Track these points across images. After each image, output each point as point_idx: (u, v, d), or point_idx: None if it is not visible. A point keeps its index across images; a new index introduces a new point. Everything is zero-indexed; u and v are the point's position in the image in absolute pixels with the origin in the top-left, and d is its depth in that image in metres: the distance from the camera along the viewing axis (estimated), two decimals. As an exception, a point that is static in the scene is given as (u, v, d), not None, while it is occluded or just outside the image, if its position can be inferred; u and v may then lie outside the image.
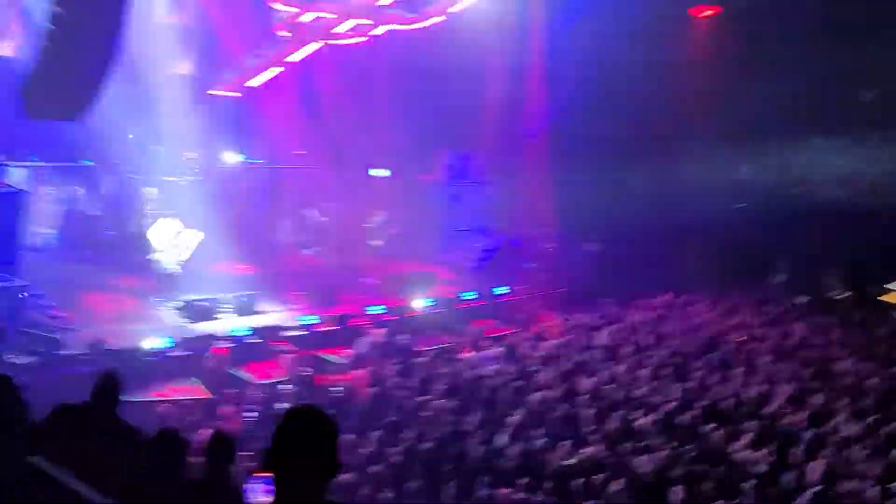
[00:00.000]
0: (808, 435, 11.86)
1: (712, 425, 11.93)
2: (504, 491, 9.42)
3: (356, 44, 21.48)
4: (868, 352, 16.41)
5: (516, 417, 11.79)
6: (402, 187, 22.62)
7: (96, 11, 13.01)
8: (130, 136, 19.63)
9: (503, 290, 20.24)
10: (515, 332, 17.35)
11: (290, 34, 20.43)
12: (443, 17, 20.74)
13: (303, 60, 21.31)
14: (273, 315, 16.74)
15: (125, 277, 17.39)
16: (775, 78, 21.85)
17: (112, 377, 5.80)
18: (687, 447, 11.18)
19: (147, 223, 17.30)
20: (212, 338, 14.92)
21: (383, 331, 15.60)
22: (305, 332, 16.11)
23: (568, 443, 11.10)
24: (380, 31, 21.11)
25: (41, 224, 19.05)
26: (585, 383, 13.45)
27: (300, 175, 23.31)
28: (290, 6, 19.84)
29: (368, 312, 17.11)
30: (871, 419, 12.46)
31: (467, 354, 15.42)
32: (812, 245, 21.32)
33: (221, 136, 22.10)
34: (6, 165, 16.10)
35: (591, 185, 21.25)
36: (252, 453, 9.33)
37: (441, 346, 16.26)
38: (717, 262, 21.93)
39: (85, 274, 17.41)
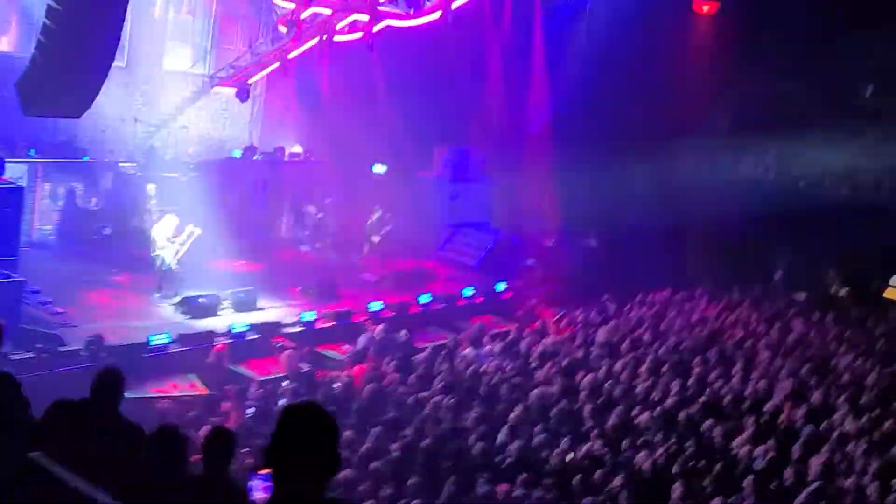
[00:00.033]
0: (807, 431, 11.88)
1: (711, 421, 11.94)
2: (503, 487, 9.43)
3: (355, 40, 21.44)
4: (867, 348, 16.43)
5: (515, 414, 11.79)
6: (401, 183, 22.61)
7: (94, 7, 12.97)
8: (129, 132, 19.61)
9: (502, 286, 20.23)
10: (515, 329, 17.35)
11: (289, 30, 20.38)
12: (441, 13, 20.68)
13: (302, 57, 21.27)
14: (272, 311, 16.73)
15: (124, 273, 17.39)
16: (776, 73, 21.83)
17: (113, 373, 5.78)
18: (686, 443, 11.20)
19: (148, 219, 17.26)
20: (211, 334, 14.91)
21: (382, 327, 15.59)
22: (304, 329, 16.11)
23: (567, 439, 11.11)
24: (379, 27, 21.07)
25: (40, 220, 19.05)
26: (584, 379, 13.45)
27: (299, 171, 23.30)
28: (290, 2, 19.80)
29: (367, 309, 17.10)
30: (869, 415, 12.48)
31: (466, 351, 15.42)
32: (811, 241, 21.31)
33: (221, 133, 22.08)
34: (4, 161, 16.05)
35: (590, 181, 21.22)
36: (251, 449, 9.36)
37: (440, 342, 16.26)
38: (716, 258, 21.92)
39: (84, 270, 17.40)
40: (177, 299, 16.18)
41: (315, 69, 21.97)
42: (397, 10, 20.60)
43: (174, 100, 20.67)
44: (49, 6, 12.86)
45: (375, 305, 17.20)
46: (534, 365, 14.50)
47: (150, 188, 19.00)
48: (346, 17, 20.73)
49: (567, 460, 10.62)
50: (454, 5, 20.77)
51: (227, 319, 15.79)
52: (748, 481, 10.01)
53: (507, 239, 23.15)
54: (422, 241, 22.06)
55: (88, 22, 12.92)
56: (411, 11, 20.52)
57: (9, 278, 13.78)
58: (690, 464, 10.52)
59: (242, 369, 14.47)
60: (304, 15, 19.95)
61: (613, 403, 12.59)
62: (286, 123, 22.82)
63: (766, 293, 21.02)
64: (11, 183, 15.82)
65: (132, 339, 14.09)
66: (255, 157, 22.45)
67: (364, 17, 20.32)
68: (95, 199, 19.69)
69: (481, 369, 13.92)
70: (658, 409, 12.31)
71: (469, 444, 10.83)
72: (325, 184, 22.97)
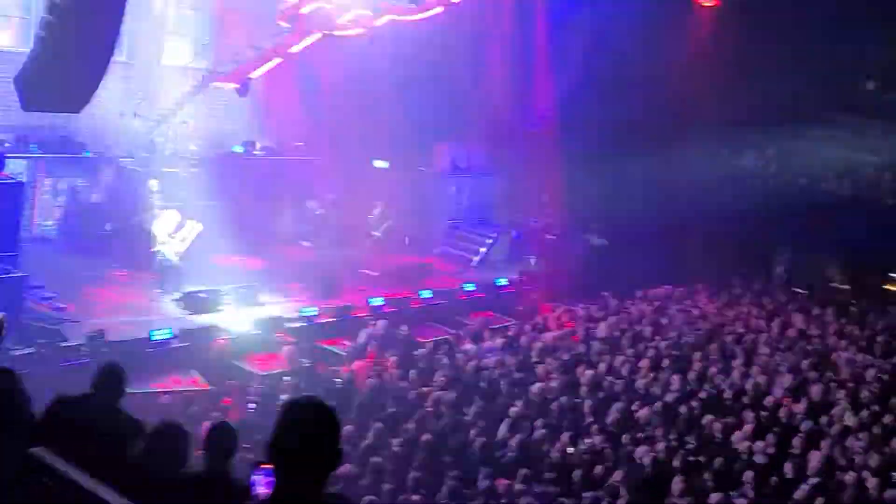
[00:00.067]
0: (806, 426, 11.89)
1: (711, 416, 11.96)
2: (504, 482, 9.44)
3: (357, 34, 21.41)
4: (867, 343, 16.45)
5: (516, 409, 11.81)
6: (403, 179, 22.61)
7: (94, 1, 12.96)
8: (129, 127, 19.59)
9: (503, 281, 20.24)
10: (516, 324, 17.37)
11: (290, 25, 20.35)
12: (443, 8, 20.66)
13: (303, 51, 21.25)
14: (273, 307, 16.74)
15: (126, 269, 17.39)
16: (778, 68, 21.80)
17: (115, 369, 5.79)
18: (686, 438, 11.22)
19: (150, 215, 17.29)
20: (212, 329, 14.92)
21: (383, 322, 15.59)
22: (305, 324, 16.12)
23: (567, 434, 11.13)
24: (380, 21, 21.04)
25: (41, 215, 19.05)
26: (585, 375, 13.47)
27: (300, 166, 23.28)
28: (291, -3, 19.79)
29: (369, 304, 17.11)
30: (869, 410, 12.49)
31: (467, 346, 15.43)
32: (812, 236, 21.32)
33: (221, 128, 22.05)
34: (4, 156, 16.04)
35: (592, 176, 21.22)
36: (252, 445, 9.37)
37: (441, 337, 16.27)
38: (716, 253, 21.93)
39: (85, 265, 17.41)
40: (178, 295, 16.20)
41: (316, 64, 21.95)
42: (399, 5, 20.57)
43: (174, 95, 20.64)
44: (49, 1, 12.85)
45: (376, 300, 17.21)
46: (534, 360, 14.52)
47: (153, 184, 19.00)
48: (347, 11, 20.71)
49: (567, 455, 10.64)
50: (456, -1, 20.75)
51: (229, 315, 15.81)
52: (748, 476, 10.03)
53: (509, 234, 23.16)
54: (423, 236, 22.06)
55: (88, 16, 12.90)
56: (413, 6, 20.50)
57: (10, 274, 13.80)
58: (691, 458, 10.55)
59: (244, 364, 14.49)
60: (306, 9, 19.93)
61: (614, 398, 12.61)
62: (287, 118, 22.79)
63: (767, 288, 21.03)
64: (12, 178, 15.82)
65: (134, 334, 14.10)
66: (255, 153, 22.44)
67: (366, 12, 20.30)
68: (96, 194, 19.70)
69: (482, 364, 13.93)
70: (658, 403, 12.32)
71: (470, 438, 10.85)
72: (326, 179, 22.96)
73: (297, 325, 16.02)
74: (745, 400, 13.02)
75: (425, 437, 10.56)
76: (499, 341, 15.42)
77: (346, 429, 10.23)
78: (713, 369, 14.28)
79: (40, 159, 18.86)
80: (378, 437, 10.59)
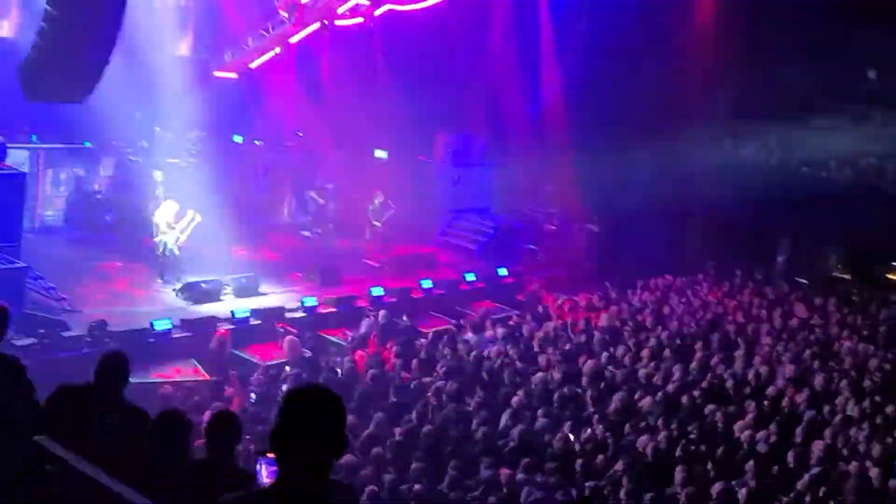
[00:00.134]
0: (809, 415, 11.89)
1: (713, 406, 11.95)
2: (505, 472, 9.44)
3: (356, 24, 21.39)
4: (869, 333, 16.44)
5: (518, 398, 11.81)
6: (403, 169, 22.59)
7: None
8: (132, 117, 19.56)
9: (504, 271, 20.23)
10: (517, 314, 17.36)
11: (290, 15, 20.33)
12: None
13: (303, 41, 21.22)
14: (274, 296, 16.74)
15: (127, 259, 17.40)
16: (779, 57, 21.74)
17: (117, 358, 5.79)
18: (688, 428, 11.21)
19: (153, 205, 17.29)
20: (213, 319, 14.93)
21: (384, 312, 15.60)
22: (306, 314, 16.12)
23: (569, 424, 11.13)
24: (380, 11, 21.02)
25: (42, 206, 19.05)
26: (587, 364, 13.46)
27: (300, 156, 23.28)
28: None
29: (369, 294, 17.11)
30: (872, 400, 12.48)
31: (469, 336, 15.43)
32: (814, 226, 21.29)
33: (222, 118, 22.04)
34: (6, 147, 16.03)
35: (592, 165, 21.19)
36: (253, 436, 9.38)
37: (443, 327, 16.27)
38: (719, 242, 21.91)
39: (87, 256, 17.43)
40: (179, 285, 16.20)
41: (316, 54, 21.92)
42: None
43: (176, 85, 20.61)
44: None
45: (377, 291, 17.21)
46: (536, 350, 14.52)
47: (157, 175, 19.02)
48: (347, 1, 20.69)
49: (569, 444, 10.64)
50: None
51: (230, 305, 15.82)
52: (750, 466, 10.02)
53: (508, 224, 23.15)
54: (424, 226, 22.05)
55: (91, 8, 12.88)
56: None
57: (12, 264, 13.80)
58: (692, 448, 10.54)
59: (246, 354, 14.50)
60: (306, 0, 19.91)
61: (615, 388, 12.60)
62: (287, 108, 22.76)
63: (769, 278, 21.02)
64: (14, 169, 15.82)
65: (135, 324, 14.11)
66: (256, 143, 22.42)
67: (365, 2, 20.29)
68: (98, 185, 19.70)
69: (484, 354, 13.93)
70: (660, 393, 12.31)
71: (471, 428, 10.85)
72: (326, 169, 22.96)
73: (299, 315, 16.03)
74: (747, 390, 13.01)
75: (427, 427, 10.56)
76: (500, 331, 15.41)
77: (348, 419, 10.22)
78: (715, 359, 14.28)
79: (42, 150, 18.85)
80: (379, 426, 10.59)
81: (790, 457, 10.43)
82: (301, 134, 23.41)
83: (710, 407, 11.91)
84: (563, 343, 14.91)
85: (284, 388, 11.91)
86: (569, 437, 10.77)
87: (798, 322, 16.96)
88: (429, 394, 11.93)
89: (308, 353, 13.93)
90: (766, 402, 12.38)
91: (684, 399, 12.17)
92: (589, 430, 11.08)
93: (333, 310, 16.53)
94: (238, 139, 22.14)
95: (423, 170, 23.36)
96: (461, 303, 18.36)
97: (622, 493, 9.25)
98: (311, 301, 16.33)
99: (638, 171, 21.21)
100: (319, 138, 23.05)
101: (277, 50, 21.23)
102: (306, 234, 21.96)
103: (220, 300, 16.09)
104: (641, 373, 13.37)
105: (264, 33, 21.18)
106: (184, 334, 14.45)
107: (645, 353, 14.33)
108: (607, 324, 16.15)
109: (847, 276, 21.71)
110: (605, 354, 14.18)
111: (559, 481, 9.58)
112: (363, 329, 15.33)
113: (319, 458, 3.04)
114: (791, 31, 21.35)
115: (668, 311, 17.42)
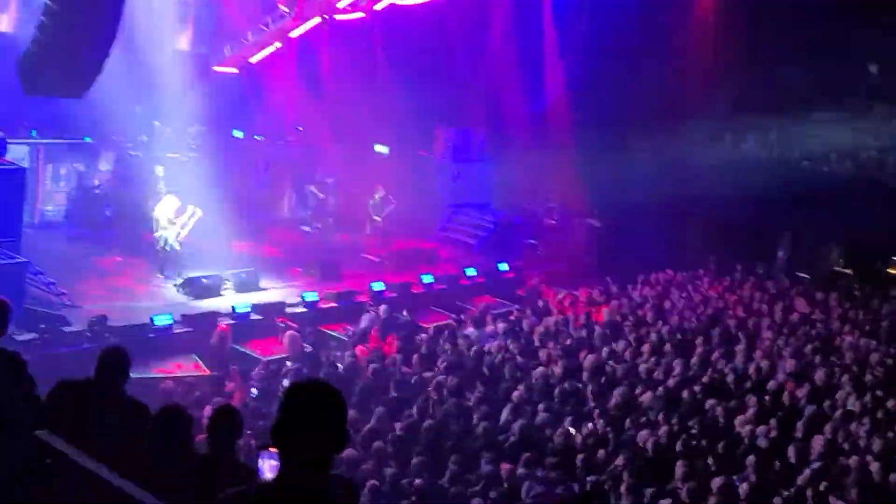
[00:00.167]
0: (810, 410, 11.89)
1: (714, 401, 11.95)
2: (506, 466, 9.44)
3: (357, 19, 21.35)
4: (871, 327, 16.43)
5: (518, 393, 11.81)
6: (403, 164, 22.58)
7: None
8: (132, 112, 19.54)
9: (505, 266, 20.22)
10: (517, 309, 17.36)
11: (290, 10, 20.30)
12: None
13: (303, 36, 21.19)
14: (275, 291, 16.74)
15: (127, 254, 17.40)
16: (780, 52, 21.71)
17: (117, 353, 5.78)
18: (689, 422, 11.21)
19: (154, 200, 17.29)
20: (213, 314, 14.92)
21: (385, 307, 15.59)
22: (307, 309, 16.12)
23: (570, 418, 11.13)
24: (381, 5, 20.99)
25: (42, 201, 19.03)
26: (587, 359, 13.46)
27: (301, 151, 23.26)
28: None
29: (370, 289, 17.11)
30: (873, 394, 12.48)
31: (469, 331, 15.43)
32: (815, 221, 21.27)
33: (222, 113, 22.01)
34: (6, 142, 16.01)
35: (593, 161, 21.17)
36: (254, 431, 9.38)
37: (443, 322, 16.26)
38: (719, 237, 21.89)
39: (87, 251, 17.42)
40: (179, 280, 16.20)
41: (316, 48, 21.89)
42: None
43: (175, 80, 20.58)
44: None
45: (378, 286, 17.20)
46: (536, 345, 14.51)
47: (159, 170, 19.00)
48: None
49: (570, 439, 10.63)
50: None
51: (230, 300, 15.82)
52: (751, 460, 10.01)
53: (508, 219, 23.14)
54: (424, 221, 22.04)
55: (90, 2, 12.86)
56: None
57: (12, 259, 13.79)
58: (693, 443, 10.53)
59: (246, 350, 14.50)
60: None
61: (616, 383, 12.59)
62: (288, 103, 22.74)
63: (770, 272, 21.00)
64: (14, 164, 15.80)
65: (135, 319, 14.11)
66: (256, 138, 22.39)
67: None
68: (98, 180, 19.69)
69: (484, 349, 13.93)
70: (661, 388, 12.31)
71: (472, 423, 10.85)
72: (326, 164, 22.94)
73: (299, 310, 16.03)
74: (748, 384, 13.00)
75: (427, 422, 10.56)
76: (501, 326, 15.41)
77: (349, 413, 10.22)
78: (716, 354, 14.27)
79: (42, 145, 18.83)
80: (380, 421, 10.59)
81: (791, 451, 10.42)
82: (301, 129, 23.39)
83: (710, 402, 11.91)
84: (564, 338, 14.91)
85: (285, 383, 11.91)
86: (569, 431, 10.77)
87: (799, 317, 16.95)
88: (429, 388, 11.93)
89: (309, 348, 13.94)
90: (766, 397, 12.36)
91: (685, 394, 12.16)
92: (590, 425, 11.07)
93: (334, 305, 16.53)
94: (238, 134, 22.12)
95: (423, 165, 23.35)
96: (461, 298, 18.36)
97: (623, 488, 9.24)
98: (311, 296, 16.33)
99: (638, 169, 21.20)
100: (320, 133, 23.03)
101: (278, 44, 21.20)
102: (306, 228, 21.95)
103: (220, 295, 16.10)
104: (642, 367, 13.36)
105: (264, 28, 21.15)
106: (184, 329, 14.46)
107: (646, 347, 14.32)
108: (608, 318, 16.14)
109: (848, 272, 21.68)
110: (605, 349, 14.18)
111: (560, 476, 9.57)
112: (364, 324, 15.33)
113: (320, 452, 3.03)
114: (791, 31, 21.31)
115: (669, 306, 17.40)
